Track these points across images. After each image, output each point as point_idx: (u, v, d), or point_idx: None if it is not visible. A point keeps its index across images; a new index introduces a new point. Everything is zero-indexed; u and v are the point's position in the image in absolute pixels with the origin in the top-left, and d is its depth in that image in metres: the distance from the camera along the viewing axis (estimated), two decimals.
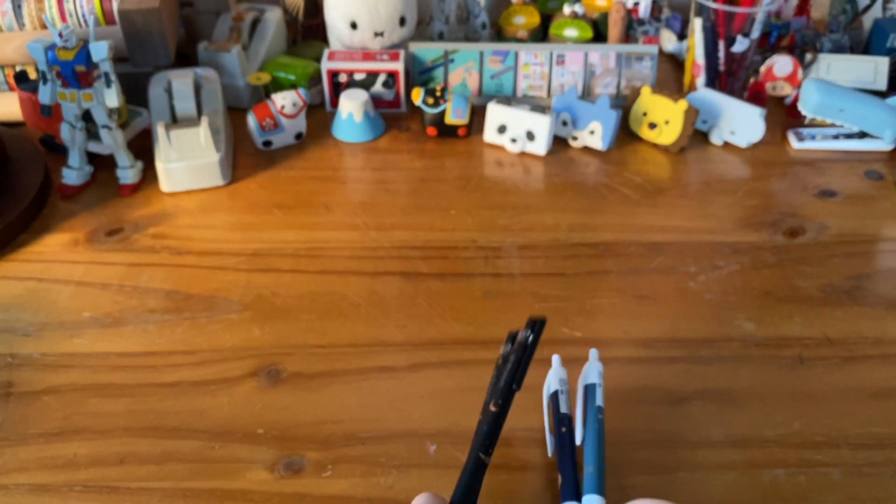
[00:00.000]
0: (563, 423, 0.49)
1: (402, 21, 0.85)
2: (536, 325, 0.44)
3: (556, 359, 0.53)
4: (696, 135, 0.82)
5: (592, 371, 0.51)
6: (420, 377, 0.56)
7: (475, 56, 0.85)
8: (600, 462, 0.46)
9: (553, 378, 0.52)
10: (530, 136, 0.79)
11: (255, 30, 0.90)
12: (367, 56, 0.84)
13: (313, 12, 0.94)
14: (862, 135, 0.80)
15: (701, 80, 0.85)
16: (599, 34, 0.93)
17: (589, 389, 0.50)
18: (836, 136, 0.81)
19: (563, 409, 0.50)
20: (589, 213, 0.72)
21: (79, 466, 0.50)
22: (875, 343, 0.59)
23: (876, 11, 0.93)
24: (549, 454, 0.50)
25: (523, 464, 0.50)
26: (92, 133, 0.74)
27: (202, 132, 0.73)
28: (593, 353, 0.53)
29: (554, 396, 0.50)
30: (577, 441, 0.47)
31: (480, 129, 0.82)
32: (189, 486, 0.49)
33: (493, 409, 0.43)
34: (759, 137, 0.80)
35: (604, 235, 0.69)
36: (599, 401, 0.49)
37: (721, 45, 0.82)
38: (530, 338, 0.44)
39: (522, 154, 0.80)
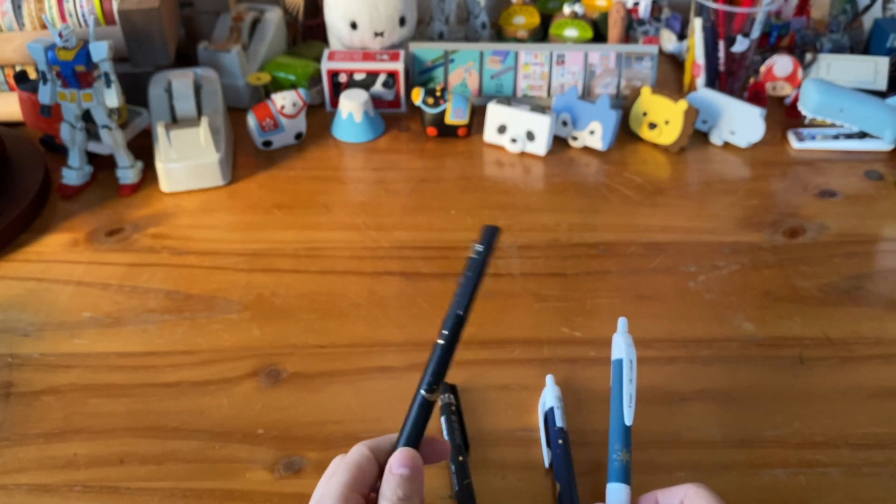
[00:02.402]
0: (559, 436, 0.49)
1: (402, 21, 0.85)
2: (489, 234, 0.43)
3: (549, 378, 0.53)
4: (696, 135, 0.82)
5: (550, 395, 0.52)
6: (420, 377, 0.56)
7: (475, 56, 0.85)
8: (629, 449, 0.45)
9: (548, 395, 0.52)
10: (530, 136, 0.79)
11: (255, 30, 0.90)
12: (367, 56, 0.84)
13: (313, 12, 0.94)
14: (862, 135, 0.80)
15: (701, 80, 0.85)
16: (599, 34, 0.93)
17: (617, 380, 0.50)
18: (836, 136, 0.81)
19: (560, 423, 0.50)
20: (589, 213, 0.72)
21: (79, 466, 0.50)
22: (875, 343, 0.59)
23: (876, 11, 0.93)
24: (546, 466, 0.50)
25: (523, 464, 0.50)
26: (92, 133, 0.74)
27: (202, 132, 0.73)
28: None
29: (550, 412, 0.51)
30: (628, 422, 0.44)
31: (480, 129, 0.82)
32: (189, 486, 0.49)
33: (439, 341, 0.42)
34: (759, 137, 0.80)
35: (604, 235, 0.69)
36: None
37: (721, 45, 0.82)
38: (480, 249, 0.42)
39: (522, 154, 0.80)
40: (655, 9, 0.94)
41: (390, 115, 0.86)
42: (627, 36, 0.93)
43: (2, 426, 0.53)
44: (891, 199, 0.74)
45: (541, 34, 0.96)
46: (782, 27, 0.92)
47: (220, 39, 0.86)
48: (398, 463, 0.40)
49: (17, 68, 0.81)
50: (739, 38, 0.81)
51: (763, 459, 0.51)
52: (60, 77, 0.69)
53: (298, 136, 0.82)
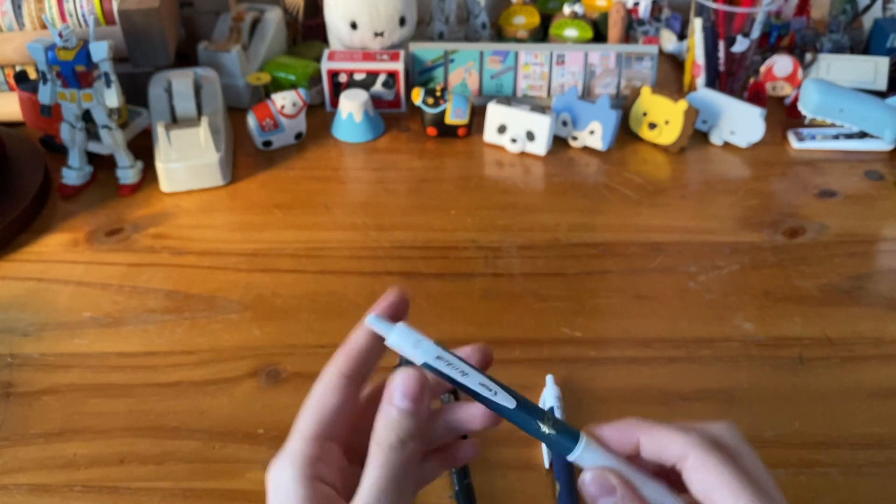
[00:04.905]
0: None
1: (402, 21, 0.85)
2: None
3: (549, 378, 0.53)
4: (696, 135, 0.82)
5: (549, 396, 0.52)
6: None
7: (475, 56, 0.85)
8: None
9: (548, 395, 0.52)
10: (530, 136, 0.79)
11: (255, 30, 0.90)
12: (367, 56, 0.84)
13: (313, 12, 0.94)
14: (862, 135, 0.80)
15: (701, 80, 0.85)
16: (599, 34, 0.93)
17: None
18: (836, 136, 0.81)
19: None
20: (589, 213, 0.72)
21: (79, 466, 0.50)
22: (875, 343, 0.59)
23: (876, 11, 0.93)
24: (546, 466, 0.50)
25: (523, 464, 0.50)
26: (92, 133, 0.74)
27: (202, 132, 0.73)
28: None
29: (550, 412, 0.51)
30: (509, 404, 0.35)
31: (480, 129, 0.82)
32: (189, 486, 0.49)
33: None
34: (759, 137, 0.80)
35: (604, 235, 0.69)
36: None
37: (721, 45, 0.82)
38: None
39: (522, 154, 0.80)
40: (655, 9, 0.94)
41: (390, 115, 0.86)
42: (627, 36, 0.93)
43: (2, 426, 0.53)
44: (891, 199, 0.74)
45: (541, 34, 0.96)
46: (782, 27, 0.92)
47: (220, 39, 0.86)
48: (401, 391, 0.32)
49: (17, 68, 0.81)
50: (739, 38, 0.81)
51: (763, 459, 0.50)
52: (60, 77, 0.69)
53: (298, 136, 0.82)
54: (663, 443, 0.31)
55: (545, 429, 0.34)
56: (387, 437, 0.31)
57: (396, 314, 0.35)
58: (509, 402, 0.34)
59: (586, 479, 0.31)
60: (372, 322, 0.34)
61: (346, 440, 0.34)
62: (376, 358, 0.35)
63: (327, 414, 0.33)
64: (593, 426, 0.33)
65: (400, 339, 0.33)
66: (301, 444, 0.32)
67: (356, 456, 0.33)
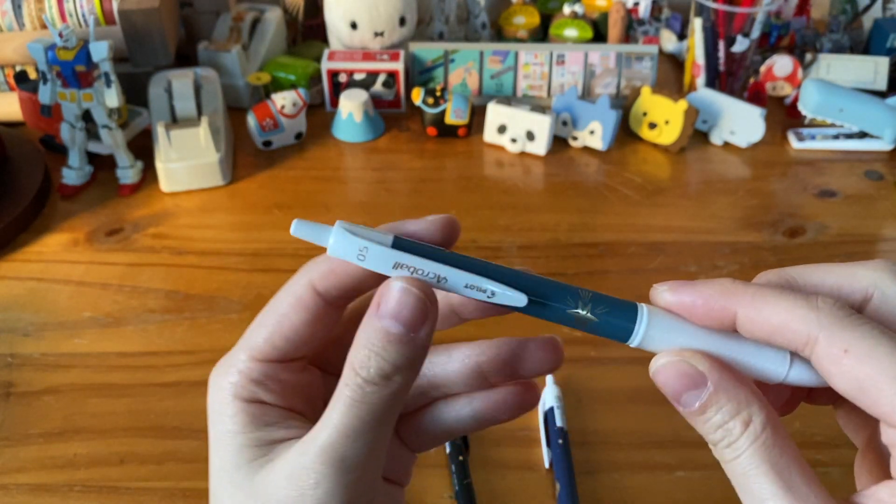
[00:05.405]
0: (559, 436, 0.49)
1: (402, 21, 0.85)
2: None
3: (549, 378, 0.53)
4: (696, 135, 0.82)
5: (549, 395, 0.52)
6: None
7: (475, 56, 0.85)
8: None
9: (548, 395, 0.52)
10: (530, 136, 0.79)
11: (255, 30, 0.90)
12: (367, 56, 0.84)
13: (313, 12, 0.94)
14: (862, 135, 0.80)
15: (701, 80, 0.85)
16: (599, 34, 0.93)
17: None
18: (836, 136, 0.81)
19: (560, 423, 0.50)
20: (589, 213, 0.72)
21: (79, 466, 0.50)
22: None
23: (876, 11, 0.93)
24: (546, 466, 0.50)
25: (523, 464, 0.50)
26: (92, 133, 0.74)
27: (202, 132, 0.73)
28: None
29: (550, 412, 0.51)
30: (519, 302, 0.29)
31: (480, 129, 0.82)
32: (189, 486, 0.49)
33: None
34: (759, 137, 0.80)
35: (604, 235, 0.69)
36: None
37: (721, 45, 0.82)
38: None
39: (522, 154, 0.80)
40: (655, 9, 0.94)
41: (390, 115, 0.86)
42: (627, 36, 0.93)
43: (2, 426, 0.53)
44: (891, 199, 0.74)
45: (541, 34, 0.96)
46: (782, 27, 0.92)
47: (220, 39, 0.86)
48: (392, 310, 0.23)
49: (17, 68, 0.81)
50: (739, 38, 0.81)
51: None
52: (60, 77, 0.69)
53: (298, 136, 0.82)
54: (777, 320, 0.22)
55: (584, 313, 0.26)
56: (365, 365, 0.23)
57: (445, 242, 0.25)
58: (518, 301, 0.27)
59: (658, 367, 0.23)
60: (298, 230, 0.25)
61: (316, 354, 0.27)
62: (373, 284, 0.25)
63: (284, 333, 0.26)
64: (662, 289, 0.24)
65: (340, 246, 0.25)
66: (244, 362, 0.26)
67: (333, 368, 0.27)
